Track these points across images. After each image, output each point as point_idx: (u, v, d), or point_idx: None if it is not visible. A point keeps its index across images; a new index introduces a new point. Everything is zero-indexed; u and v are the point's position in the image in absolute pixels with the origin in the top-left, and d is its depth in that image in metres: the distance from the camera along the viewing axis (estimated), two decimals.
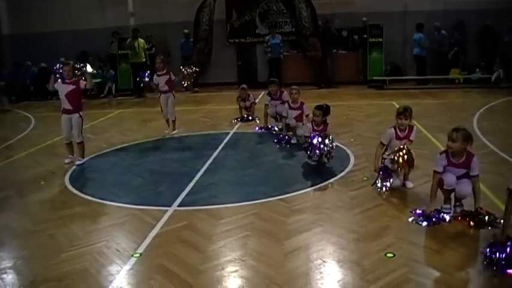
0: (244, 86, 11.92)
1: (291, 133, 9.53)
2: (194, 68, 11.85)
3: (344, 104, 13.39)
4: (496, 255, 4.40)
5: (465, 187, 5.45)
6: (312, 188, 6.93)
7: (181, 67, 11.13)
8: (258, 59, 18.58)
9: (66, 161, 8.65)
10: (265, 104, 10.68)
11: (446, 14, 16.70)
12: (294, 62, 17.92)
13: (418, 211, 5.66)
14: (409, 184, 6.74)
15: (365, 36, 16.94)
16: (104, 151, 9.61)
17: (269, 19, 18.27)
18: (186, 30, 17.70)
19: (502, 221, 4.88)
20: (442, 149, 8.18)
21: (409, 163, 6.38)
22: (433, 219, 5.46)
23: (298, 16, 17.54)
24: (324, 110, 7.96)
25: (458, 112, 11.51)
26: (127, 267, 4.81)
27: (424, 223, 5.44)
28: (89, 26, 18.23)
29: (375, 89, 16.33)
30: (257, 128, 10.79)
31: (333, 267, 4.64)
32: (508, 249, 4.39)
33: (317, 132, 7.72)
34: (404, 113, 6.58)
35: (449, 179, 5.47)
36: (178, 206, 6.43)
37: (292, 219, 5.81)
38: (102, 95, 17.82)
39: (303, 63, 17.73)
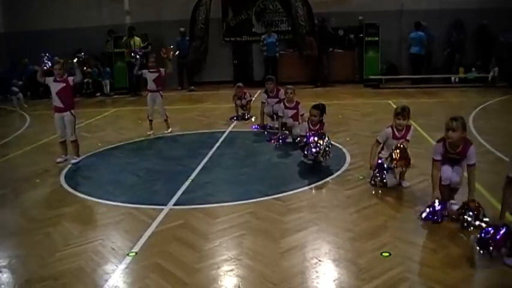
0: (240, 84, 11.90)
1: (286, 132, 9.52)
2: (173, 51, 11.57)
3: (340, 103, 13.40)
4: (488, 236, 4.47)
5: (456, 176, 5.51)
6: (308, 187, 6.93)
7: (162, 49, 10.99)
8: (254, 58, 18.57)
9: (59, 160, 8.60)
10: (262, 102, 10.68)
11: (443, 13, 16.73)
12: (290, 61, 17.92)
13: (424, 214, 5.59)
14: (405, 183, 6.74)
15: (361, 35, 16.95)
16: (100, 149, 9.59)
17: (265, 18, 18.26)
18: (182, 29, 17.66)
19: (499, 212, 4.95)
20: None
21: (406, 160, 6.39)
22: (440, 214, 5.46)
23: (295, 15, 17.53)
24: (321, 110, 7.96)
25: (455, 111, 11.42)
26: (122, 266, 4.80)
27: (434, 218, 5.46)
28: (85, 24, 18.17)
29: (371, 88, 16.34)
30: (254, 127, 10.79)
31: (328, 266, 4.64)
32: (501, 233, 4.43)
33: (313, 132, 7.72)
34: (402, 113, 6.58)
35: (445, 173, 5.51)
36: (174, 204, 6.42)
37: (288, 218, 5.81)
38: (99, 94, 17.77)
39: (299, 62, 17.74)
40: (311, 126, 7.92)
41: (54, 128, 8.78)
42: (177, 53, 10.81)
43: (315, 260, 4.73)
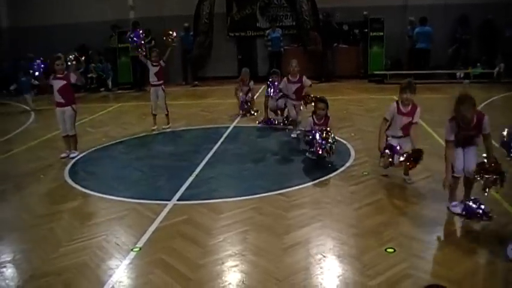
0: (247, 69, 11.86)
1: (278, 117, 9.52)
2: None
3: (344, 98, 13.36)
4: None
5: (471, 163, 5.36)
6: (312, 182, 6.91)
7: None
8: (258, 53, 18.52)
9: (63, 155, 8.66)
10: (266, 96, 10.61)
11: (447, 8, 16.64)
12: (294, 56, 17.72)
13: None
14: (410, 179, 6.72)
15: (366, 30, 16.88)
16: (104, 145, 9.59)
17: (269, 13, 18.21)
18: (186, 24, 17.64)
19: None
20: (443, 144, 8.20)
21: (416, 162, 6.36)
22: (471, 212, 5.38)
23: (299, 10, 17.47)
24: (327, 103, 7.89)
25: None
26: (126, 261, 4.80)
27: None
28: (89, 19, 18.16)
29: (376, 83, 16.28)
30: (259, 123, 10.69)
31: (333, 262, 4.63)
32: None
33: (318, 127, 7.66)
34: (409, 87, 6.48)
35: (458, 164, 5.42)
36: (178, 200, 6.41)
37: (292, 214, 5.80)
38: (103, 89, 17.78)
39: (304, 57, 17.64)
40: (316, 121, 7.84)
41: (58, 123, 8.81)
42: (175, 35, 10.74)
43: (319, 256, 4.72)
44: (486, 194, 5.20)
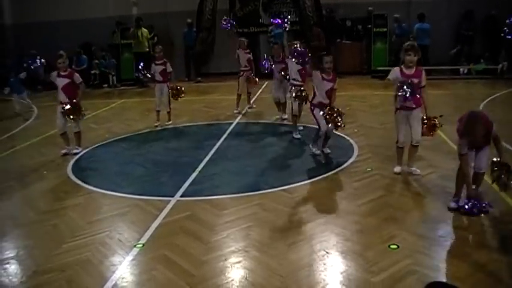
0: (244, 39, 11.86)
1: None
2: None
3: (347, 94, 13.31)
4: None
5: (482, 162, 5.35)
6: (316, 178, 6.89)
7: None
8: (261, 49, 18.48)
9: (63, 151, 8.63)
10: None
11: (451, 4, 16.58)
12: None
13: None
14: (416, 170, 6.72)
15: (369, 26, 16.83)
16: (107, 141, 9.60)
17: (272, 9, 18.16)
18: (189, 20, 17.62)
19: None
20: (447, 139, 8.18)
21: (432, 130, 6.54)
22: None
23: (302, 6, 17.42)
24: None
25: (462, 103, 11.43)
26: (129, 257, 4.80)
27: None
28: (92, 16, 18.15)
29: (379, 79, 16.23)
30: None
31: (336, 258, 4.62)
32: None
33: (326, 82, 7.47)
34: (413, 48, 6.41)
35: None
36: (181, 196, 6.41)
37: (296, 210, 5.79)
38: (106, 85, 17.78)
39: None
40: (324, 76, 7.51)
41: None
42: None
43: (323, 252, 4.71)
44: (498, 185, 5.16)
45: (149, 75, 10.53)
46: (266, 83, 13.39)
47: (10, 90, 14.35)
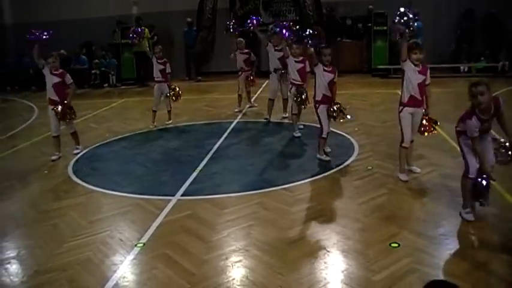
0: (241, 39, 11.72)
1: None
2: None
3: (348, 92, 13.28)
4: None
5: (490, 158, 5.11)
6: (316, 177, 6.89)
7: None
8: (261, 48, 18.45)
9: (53, 157, 8.39)
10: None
11: (452, 2, 16.56)
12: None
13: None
14: (416, 169, 6.70)
15: (369, 24, 16.81)
16: (107, 140, 9.60)
17: (273, 8, 18.16)
18: (189, 19, 17.62)
19: None
20: (447, 138, 8.18)
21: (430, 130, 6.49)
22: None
23: (302, 4, 17.40)
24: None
25: (463, 101, 11.38)
26: (130, 257, 4.80)
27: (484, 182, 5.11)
28: (92, 15, 18.15)
29: (379, 77, 16.23)
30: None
31: (337, 257, 4.62)
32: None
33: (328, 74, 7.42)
34: (418, 46, 6.24)
35: (474, 164, 5.13)
36: (182, 195, 6.41)
37: (296, 208, 5.79)
38: (106, 85, 17.79)
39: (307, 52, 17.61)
40: (325, 68, 7.41)
41: (50, 123, 8.51)
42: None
43: (323, 251, 4.71)
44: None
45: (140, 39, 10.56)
46: (266, 81, 13.35)
47: None
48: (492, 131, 5.24)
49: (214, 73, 18.16)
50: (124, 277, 4.44)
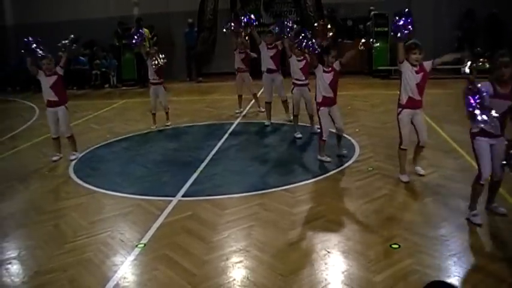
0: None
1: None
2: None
3: (349, 93, 13.29)
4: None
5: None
6: (317, 178, 6.89)
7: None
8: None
9: (54, 158, 8.37)
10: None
11: (452, 2, 16.56)
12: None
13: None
14: (421, 170, 6.67)
15: (368, 23, 16.81)
16: (108, 141, 9.60)
17: (274, 8, 18.18)
18: (190, 20, 17.62)
19: None
20: (448, 139, 8.19)
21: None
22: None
23: (303, 5, 17.42)
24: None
25: (463, 102, 11.39)
26: (131, 257, 4.81)
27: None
28: (93, 16, 18.16)
29: (380, 78, 16.23)
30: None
31: (337, 257, 4.62)
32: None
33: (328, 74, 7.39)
34: (418, 46, 6.15)
35: (486, 167, 5.01)
36: (183, 196, 6.42)
37: (297, 209, 5.79)
38: (107, 85, 17.80)
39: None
40: (325, 68, 7.39)
41: (49, 125, 8.47)
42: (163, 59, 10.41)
43: (324, 252, 4.71)
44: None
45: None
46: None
47: None
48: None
49: (215, 74, 18.15)
50: (125, 277, 4.45)
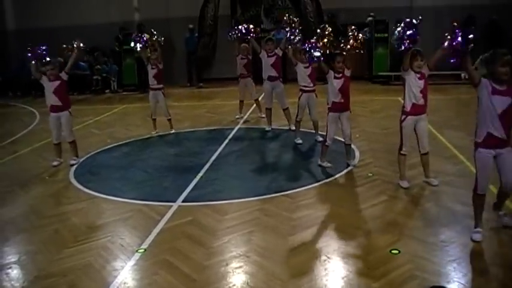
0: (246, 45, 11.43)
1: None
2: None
3: None
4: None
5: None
6: (317, 183, 6.90)
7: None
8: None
9: (55, 163, 8.35)
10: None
11: (453, 9, 16.60)
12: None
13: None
14: (434, 181, 6.51)
15: (366, 29, 16.82)
16: (109, 146, 9.61)
17: (274, 14, 18.20)
18: (190, 26, 17.66)
19: None
20: (448, 145, 8.20)
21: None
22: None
23: (304, 11, 17.45)
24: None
25: (464, 108, 11.44)
26: (131, 262, 4.81)
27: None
28: (94, 21, 18.19)
29: (380, 84, 16.25)
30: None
31: (337, 263, 4.62)
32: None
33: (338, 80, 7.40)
34: (420, 53, 6.15)
35: (484, 180, 4.88)
36: (183, 201, 6.42)
37: (297, 215, 5.80)
38: (108, 91, 17.83)
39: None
40: (336, 74, 7.44)
41: (51, 130, 8.45)
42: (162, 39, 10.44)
43: (324, 257, 4.71)
44: None
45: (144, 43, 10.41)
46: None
47: None
48: None
49: (216, 79, 18.19)
50: (125, 283, 4.45)
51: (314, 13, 17.33)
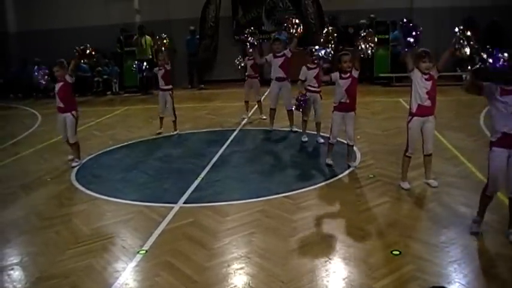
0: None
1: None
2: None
3: None
4: None
5: None
6: (318, 185, 6.90)
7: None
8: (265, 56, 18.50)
9: (70, 157, 8.57)
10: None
11: (453, 10, 16.61)
12: (300, 59, 17.79)
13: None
14: (433, 183, 6.52)
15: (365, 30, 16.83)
16: (110, 148, 9.62)
17: (275, 16, 18.22)
18: (192, 27, 17.69)
19: None
20: (449, 146, 8.20)
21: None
22: None
23: (305, 13, 17.47)
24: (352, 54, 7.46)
25: (465, 109, 11.46)
26: (133, 264, 4.82)
27: None
28: (95, 23, 18.24)
29: (381, 86, 16.25)
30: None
31: (338, 264, 4.63)
32: None
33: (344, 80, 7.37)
34: (428, 54, 6.11)
35: (498, 178, 4.82)
36: (184, 203, 6.43)
37: (298, 216, 5.80)
38: (109, 92, 17.86)
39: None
40: (342, 75, 7.38)
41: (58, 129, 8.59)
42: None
43: (325, 259, 4.72)
44: None
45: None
46: (268, 90, 13.35)
47: None
48: None
49: (217, 81, 18.23)
50: (126, 284, 4.46)
51: (315, 15, 17.36)
